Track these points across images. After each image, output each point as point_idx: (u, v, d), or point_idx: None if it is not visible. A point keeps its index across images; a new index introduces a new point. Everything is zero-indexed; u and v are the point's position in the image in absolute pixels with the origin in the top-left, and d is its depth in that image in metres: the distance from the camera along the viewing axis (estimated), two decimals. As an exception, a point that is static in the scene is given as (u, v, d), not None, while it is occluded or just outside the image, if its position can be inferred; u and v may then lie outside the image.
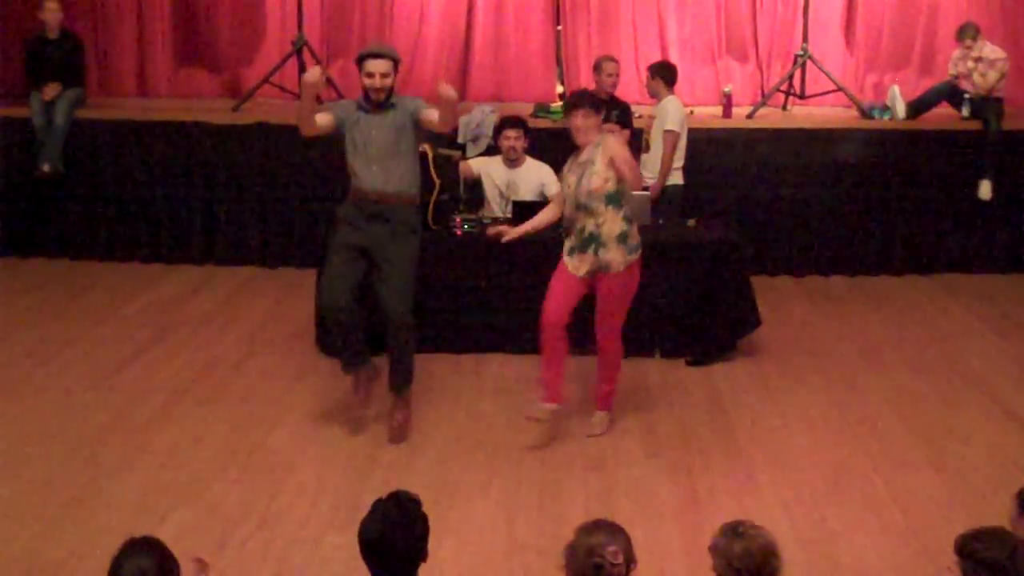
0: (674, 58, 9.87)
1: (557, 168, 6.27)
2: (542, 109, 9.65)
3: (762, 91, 10.30)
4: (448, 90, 5.71)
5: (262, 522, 5.26)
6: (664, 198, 8.05)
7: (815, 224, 9.48)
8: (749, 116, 9.69)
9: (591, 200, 5.83)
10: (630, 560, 3.28)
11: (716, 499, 5.56)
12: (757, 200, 9.44)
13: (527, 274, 7.01)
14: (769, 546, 3.29)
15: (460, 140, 9.04)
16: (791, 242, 9.51)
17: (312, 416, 6.48)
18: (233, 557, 4.95)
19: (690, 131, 8.47)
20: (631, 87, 10.02)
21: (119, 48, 10.67)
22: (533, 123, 8.57)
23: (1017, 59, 9.91)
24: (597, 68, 8.61)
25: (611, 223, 5.85)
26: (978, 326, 8.24)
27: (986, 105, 9.33)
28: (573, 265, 5.98)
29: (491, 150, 8.52)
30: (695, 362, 7.39)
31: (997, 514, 3.89)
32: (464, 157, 8.28)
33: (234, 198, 9.59)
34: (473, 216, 7.63)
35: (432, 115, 5.88)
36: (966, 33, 9.41)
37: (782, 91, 9.97)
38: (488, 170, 7.85)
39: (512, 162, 7.74)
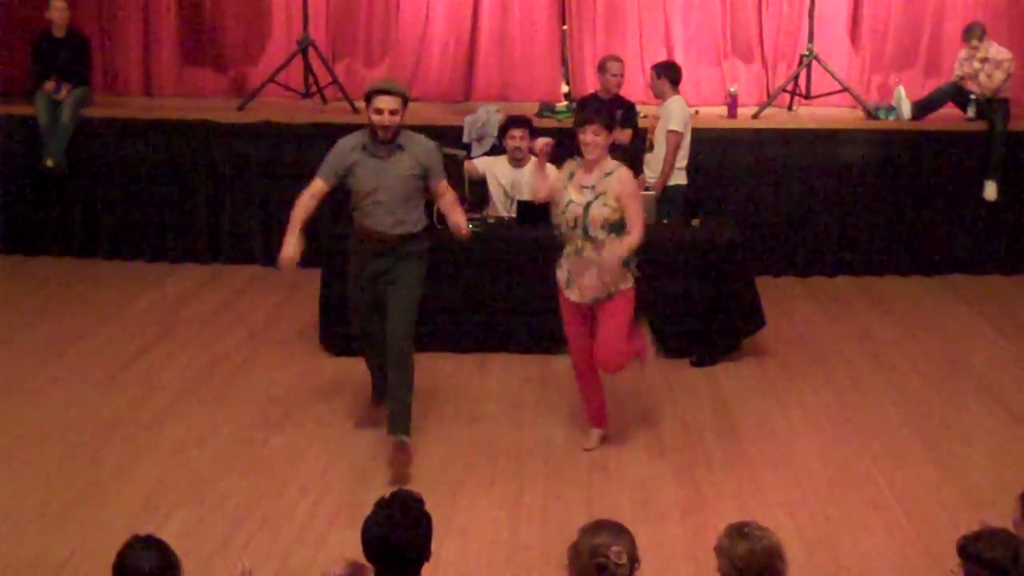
0: (680, 58, 9.86)
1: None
2: (547, 109, 9.64)
3: (768, 91, 10.28)
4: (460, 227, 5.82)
5: (265, 521, 5.27)
6: (667, 198, 8.03)
7: (820, 224, 9.47)
8: (754, 116, 9.68)
9: (597, 230, 5.65)
10: (634, 560, 3.28)
11: (720, 499, 5.56)
12: (762, 200, 9.43)
13: (532, 273, 7.00)
14: (774, 547, 3.28)
15: (465, 140, 9.05)
16: (796, 242, 9.49)
17: (316, 415, 6.48)
18: (236, 556, 4.94)
19: (695, 131, 8.45)
20: (636, 87, 10.00)
21: (125, 47, 10.68)
22: (538, 123, 8.57)
23: (1023, 60, 9.89)
24: (602, 68, 8.61)
25: (611, 247, 5.65)
26: (983, 327, 8.23)
27: (992, 106, 9.31)
28: (578, 293, 5.79)
29: (496, 150, 8.52)
30: (699, 362, 7.39)
31: (1001, 514, 3.88)
32: (469, 156, 8.30)
33: (239, 197, 9.60)
34: (478, 216, 7.63)
35: (440, 194, 5.89)
36: (972, 34, 9.40)
37: (788, 91, 9.96)
38: (493, 170, 7.85)
39: (517, 162, 7.75)
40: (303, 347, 7.57)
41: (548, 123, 9.11)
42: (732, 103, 9.64)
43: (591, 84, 9.83)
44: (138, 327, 7.98)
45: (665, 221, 7.70)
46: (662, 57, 9.82)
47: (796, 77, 9.91)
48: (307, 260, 8.97)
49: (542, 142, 5.83)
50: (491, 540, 5.15)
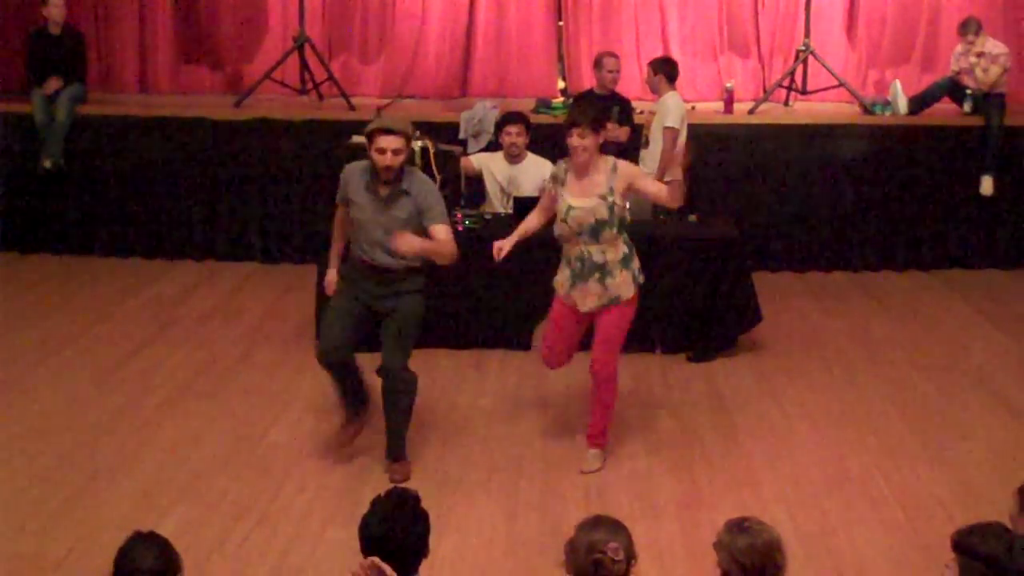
0: (676, 54, 9.86)
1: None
2: (543, 105, 9.64)
3: (764, 87, 10.29)
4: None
5: (262, 518, 5.27)
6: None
7: (817, 220, 9.48)
8: (751, 112, 9.68)
9: (602, 228, 5.54)
10: (631, 556, 3.28)
11: (717, 495, 5.56)
12: (758, 196, 9.43)
13: (529, 270, 7.00)
14: (774, 542, 3.28)
15: (461, 136, 9.03)
16: (792, 238, 9.50)
17: (312, 412, 6.48)
18: (233, 553, 4.95)
19: (692, 127, 8.43)
20: (632, 83, 10.00)
21: (121, 44, 10.67)
22: (534, 119, 8.56)
23: (1019, 54, 9.91)
24: (598, 64, 8.59)
25: (615, 248, 5.60)
26: (980, 322, 8.23)
27: (988, 101, 9.32)
28: (578, 300, 5.66)
29: (492, 146, 8.51)
30: (696, 358, 7.39)
31: (998, 510, 3.89)
32: (465, 153, 8.28)
33: (235, 194, 9.59)
34: (474, 212, 7.63)
35: (437, 237, 5.54)
36: (968, 28, 9.40)
37: (784, 87, 9.96)
38: (489, 166, 7.85)
39: (514, 158, 7.74)
40: (300, 344, 7.56)
41: (544, 119, 9.11)
42: (728, 98, 9.65)
43: (587, 80, 9.83)
44: (135, 324, 7.97)
45: (661, 217, 7.70)
46: (658, 53, 9.82)
47: (792, 72, 9.91)
48: (304, 257, 9.13)
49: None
50: (488, 536, 5.15)
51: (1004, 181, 9.35)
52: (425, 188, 5.56)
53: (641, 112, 8.83)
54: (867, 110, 9.67)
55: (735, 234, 7.59)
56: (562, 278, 5.75)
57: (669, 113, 8.13)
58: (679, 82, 8.44)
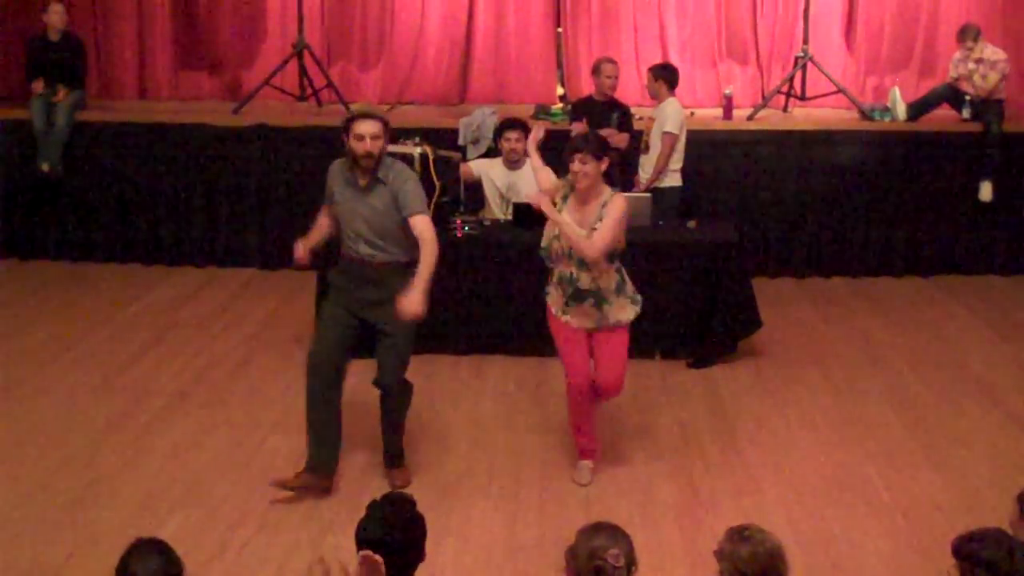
0: (675, 60, 9.86)
1: (556, 168, 6.06)
2: (543, 111, 9.65)
3: (763, 93, 10.30)
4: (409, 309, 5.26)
5: (262, 524, 5.26)
6: (663, 200, 8.03)
7: (816, 226, 9.48)
8: (750, 118, 9.69)
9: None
10: (631, 563, 3.27)
11: (717, 501, 5.56)
12: (758, 202, 9.44)
13: (527, 275, 7.00)
14: (776, 550, 3.28)
15: (461, 142, 9.04)
16: (792, 244, 9.50)
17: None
18: (234, 559, 4.95)
19: (691, 133, 8.46)
20: (631, 89, 10.01)
21: (120, 50, 10.68)
22: (533, 125, 8.55)
23: (1018, 61, 9.91)
24: (596, 70, 8.60)
25: (607, 277, 5.51)
26: (979, 328, 8.23)
27: (987, 107, 9.33)
28: (573, 320, 5.58)
29: (491, 152, 8.52)
30: (696, 364, 7.39)
31: (998, 516, 3.89)
32: (464, 159, 8.30)
33: (234, 200, 9.59)
34: (473, 218, 7.63)
35: (416, 234, 5.37)
36: (967, 35, 9.41)
37: (783, 93, 9.97)
38: (489, 172, 7.85)
39: (513, 164, 7.74)
40: (299, 350, 7.52)
41: (543, 125, 9.08)
42: (727, 105, 9.65)
43: (586, 86, 9.84)
44: (134, 330, 7.97)
45: (660, 223, 7.70)
46: (657, 59, 9.82)
47: (791, 79, 9.92)
48: (312, 265, 9.11)
49: (536, 134, 5.75)
50: (488, 542, 5.15)
51: (1003, 187, 9.35)
52: (402, 177, 5.44)
53: (640, 118, 8.84)
54: (866, 116, 9.68)
55: (734, 239, 7.59)
56: (555, 299, 5.65)
57: (668, 119, 8.15)
58: (678, 88, 8.45)
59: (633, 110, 8.89)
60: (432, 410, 6.57)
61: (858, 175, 9.41)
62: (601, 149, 5.49)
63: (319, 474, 5.55)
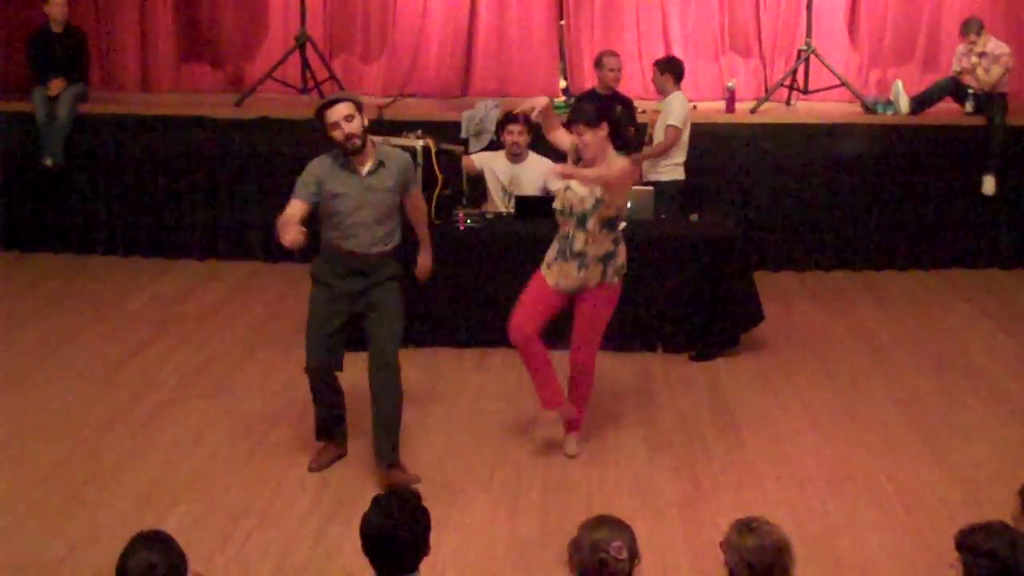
0: (678, 53, 9.85)
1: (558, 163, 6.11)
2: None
3: (766, 86, 10.28)
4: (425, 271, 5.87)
5: (264, 518, 5.26)
6: (665, 194, 8.03)
7: (818, 219, 9.47)
8: (752, 111, 9.67)
9: (586, 218, 5.57)
10: (634, 556, 3.28)
11: (719, 494, 5.55)
12: (760, 195, 9.43)
13: (530, 268, 6.98)
14: (782, 542, 3.28)
15: (463, 135, 9.04)
16: (794, 237, 9.49)
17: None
18: (235, 552, 4.95)
19: (693, 126, 8.45)
20: (634, 82, 10.01)
21: (122, 43, 10.68)
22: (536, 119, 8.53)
23: (1021, 54, 9.89)
24: (599, 63, 8.59)
25: (600, 244, 5.61)
26: (981, 322, 8.23)
27: (990, 100, 9.32)
28: (553, 277, 5.71)
29: (494, 145, 8.51)
30: (698, 357, 7.39)
31: (1000, 510, 3.88)
32: (467, 152, 8.28)
33: (236, 193, 9.59)
34: (476, 211, 7.62)
35: (414, 206, 5.75)
36: (970, 28, 9.40)
37: (786, 86, 9.96)
38: (491, 165, 7.84)
39: (515, 157, 7.73)
40: (301, 343, 7.46)
41: (540, 101, 9.07)
42: (730, 98, 9.64)
43: (589, 79, 9.83)
44: (136, 323, 7.97)
45: (663, 216, 7.69)
46: (660, 52, 9.82)
47: (794, 72, 9.91)
48: (305, 256, 9.10)
49: (539, 106, 5.72)
50: (490, 535, 5.15)
51: (1006, 181, 9.35)
52: (401, 157, 5.58)
53: (642, 111, 8.83)
54: (869, 110, 9.67)
55: (737, 233, 7.59)
56: (551, 251, 5.80)
57: (672, 112, 8.15)
58: (681, 81, 8.44)
59: (636, 103, 8.88)
60: (434, 403, 6.57)
61: (861, 169, 9.40)
62: (595, 116, 5.59)
63: (336, 443, 5.84)
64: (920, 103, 9.55)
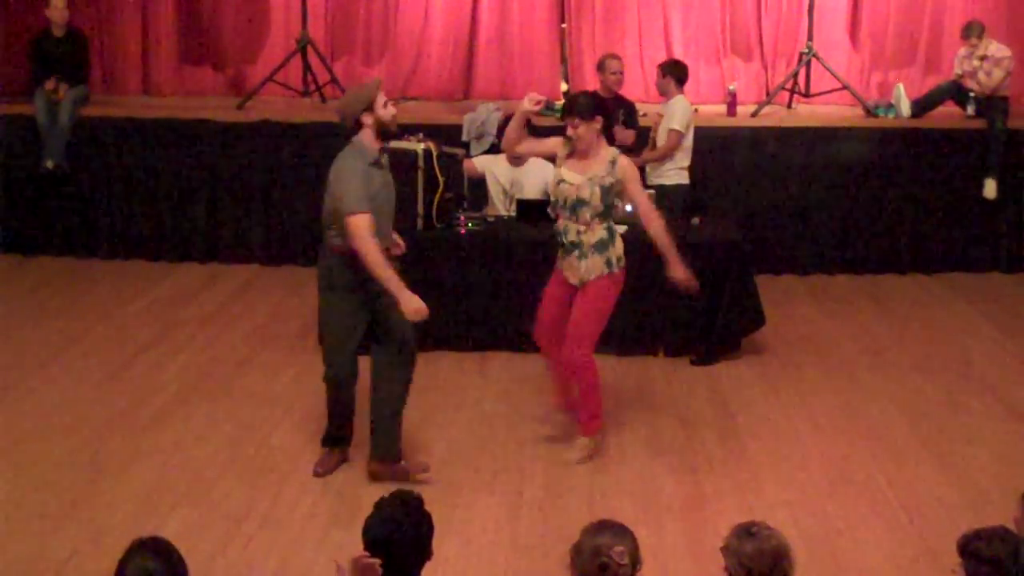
0: (679, 56, 9.83)
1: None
2: (546, 107, 9.61)
3: (767, 89, 10.27)
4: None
5: (265, 521, 5.26)
6: (669, 198, 8.02)
7: (820, 223, 9.47)
8: (754, 114, 9.67)
9: (581, 207, 5.68)
10: (636, 561, 3.27)
11: (720, 498, 5.55)
12: (761, 198, 9.42)
13: (531, 272, 6.99)
14: (782, 547, 3.28)
15: (464, 138, 9.03)
16: (795, 241, 9.49)
17: (315, 415, 6.45)
18: (236, 556, 4.95)
19: (695, 129, 8.42)
20: (635, 85, 10.00)
21: (123, 46, 10.66)
22: (537, 121, 8.53)
23: (1022, 58, 9.88)
24: (601, 67, 8.59)
25: (592, 232, 5.73)
26: (983, 325, 8.22)
27: (991, 103, 9.31)
28: (567, 272, 5.87)
29: (495, 148, 8.51)
30: (699, 361, 7.38)
31: (1001, 513, 3.88)
32: (468, 155, 8.28)
33: (238, 196, 9.59)
34: (477, 214, 7.63)
35: None
36: (971, 31, 9.39)
37: (787, 89, 9.95)
38: (492, 168, 7.84)
39: (516, 160, 7.73)
40: (302, 346, 7.56)
41: (547, 121, 9.08)
42: (731, 101, 9.64)
43: (590, 82, 9.82)
44: (137, 327, 7.97)
45: (665, 220, 7.68)
46: (661, 55, 9.82)
47: (795, 75, 9.90)
48: (306, 259, 9.12)
49: (531, 102, 5.71)
50: (491, 539, 5.14)
51: (1007, 184, 9.33)
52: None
53: (644, 114, 8.83)
54: (870, 113, 9.66)
55: (738, 237, 7.59)
56: (560, 254, 5.92)
57: (674, 116, 8.14)
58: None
59: (638, 106, 8.88)
60: (436, 407, 6.57)
61: (862, 172, 9.40)
62: (589, 109, 5.68)
63: (341, 447, 5.85)
64: (921, 106, 9.55)
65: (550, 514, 5.37)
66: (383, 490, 3.53)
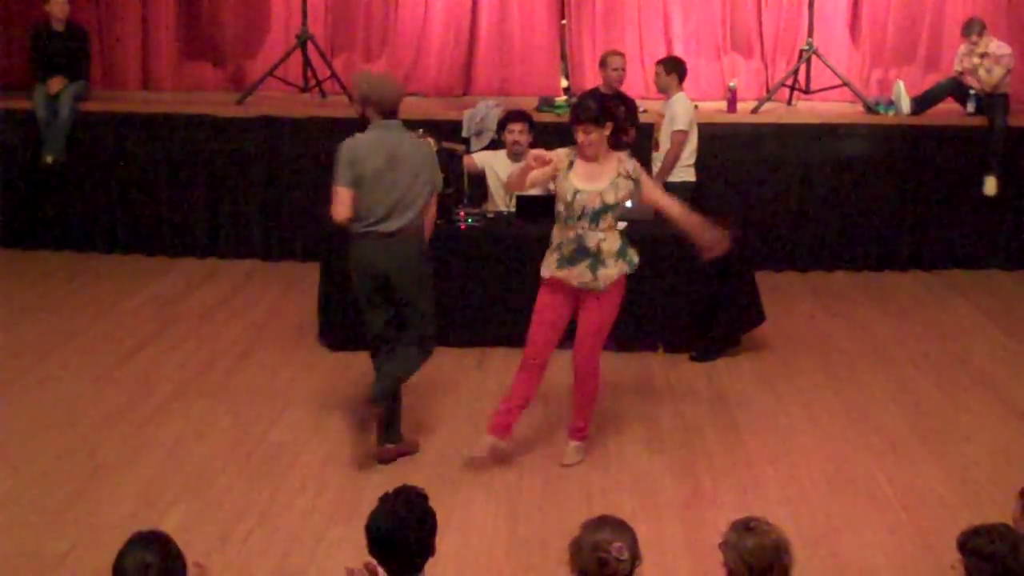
0: (679, 53, 9.82)
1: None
2: (546, 103, 9.62)
3: (767, 86, 10.27)
4: None
5: (264, 517, 5.26)
6: (676, 196, 7.97)
7: (820, 219, 9.47)
8: (754, 111, 9.67)
9: (604, 213, 5.52)
10: (635, 557, 3.27)
11: (719, 495, 5.55)
12: (761, 195, 9.42)
13: (531, 268, 6.98)
14: (781, 542, 3.28)
15: (464, 134, 9.03)
16: (795, 238, 9.49)
17: (314, 410, 6.47)
18: (235, 552, 4.95)
19: (696, 126, 8.41)
20: (636, 82, 9.99)
21: (123, 40, 10.64)
22: (537, 117, 8.54)
23: (1023, 55, 9.88)
24: (603, 63, 8.59)
25: (612, 237, 5.60)
26: (983, 323, 8.22)
27: (991, 101, 9.31)
28: (563, 274, 5.59)
29: (495, 144, 8.50)
30: (699, 358, 7.38)
31: (1000, 510, 3.88)
32: (468, 151, 8.28)
33: (237, 191, 9.58)
34: (477, 210, 7.62)
35: None
36: (972, 29, 9.38)
37: (787, 86, 9.95)
38: (492, 164, 7.84)
39: (516, 156, 7.72)
40: (302, 342, 7.56)
41: (547, 117, 9.10)
42: (731, 98, 9.63)
43: (590, 79, 9.83)
44: (136, 321, 7.97)
45: (662, 216, 7.67)
46: (661, 52, 9.81)
47: (796, 72, 9.89)
48: (306, 254, 9.13)
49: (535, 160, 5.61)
50: (490, 535, 5.14)
51: (1007, 182, 9.33)
52: None
53: (645, 111, 8.82)
54: (870, 110, 9.66)
55: (738, 233, 7.56)
56: (548, 262, 5.68)
57: (677, 117, 8.11)
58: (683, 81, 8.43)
59: (638, 103, 8.87)
60: (434, 403, 6.56)
61: (862, 169, 9.40)
62: (600, 115, 5.54)
63: (391, 437, 5.85)
64: (922, 103, 9.54)
65: (549, 510, 5.37)
66: (383, 486, 3.53)
